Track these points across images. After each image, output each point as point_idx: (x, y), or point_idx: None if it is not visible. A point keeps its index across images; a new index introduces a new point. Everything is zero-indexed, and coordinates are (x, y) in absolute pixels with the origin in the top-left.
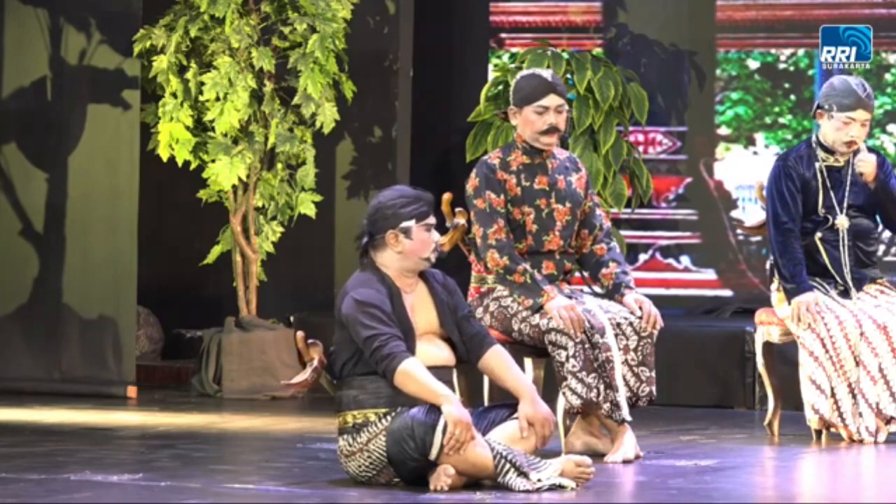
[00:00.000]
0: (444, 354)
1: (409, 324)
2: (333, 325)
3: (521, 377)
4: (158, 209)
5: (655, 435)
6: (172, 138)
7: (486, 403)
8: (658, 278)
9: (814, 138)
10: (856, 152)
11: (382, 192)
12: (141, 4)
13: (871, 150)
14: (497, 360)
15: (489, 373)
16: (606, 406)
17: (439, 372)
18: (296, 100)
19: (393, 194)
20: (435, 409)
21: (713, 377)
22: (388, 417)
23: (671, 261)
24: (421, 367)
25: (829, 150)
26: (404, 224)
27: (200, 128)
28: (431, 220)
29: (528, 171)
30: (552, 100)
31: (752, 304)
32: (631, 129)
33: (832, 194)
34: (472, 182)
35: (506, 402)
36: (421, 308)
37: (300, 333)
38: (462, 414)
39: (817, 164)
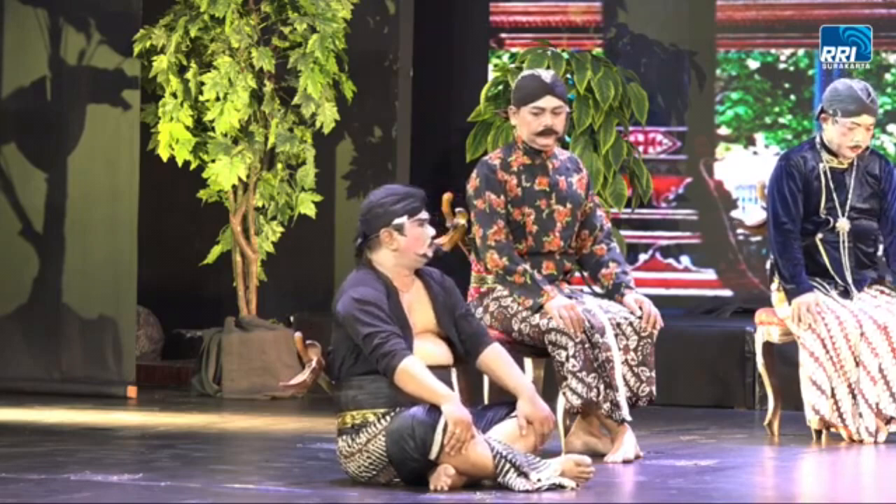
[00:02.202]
0: (442, 353)
1: (407, 323)
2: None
3: (519, 376)
4: (158, 209)
5: (655, 435)
6: (172, 138)
7: (485, 403)
8: (658, 278)
9: (817, 140)
10: (861, 157)
11: (372, 192)
12: (141, 4)
13: (875, 152)
14: (495, 358)
15: (487, 371)
16: (606, 406)
17: (438, 372)
18: (296, 100)
19: (382, 193)
20: (435, 409)
21: (713, 377)
22: (388, 417)
23: (671, 261)
24: (421, 366)
25: (833, 153)
26: (397, 221)
27: (200, 128)
28: (424, 214)
29: (528, 172)
30: (549, 101)
31: (752, 304)
32: (631, 129)
33: (835, 196)
34: (473, 182)
35: (504, 401)
36: (418, 307)
37: (298, 334)
38: (462, 413)
39: (821, 166)
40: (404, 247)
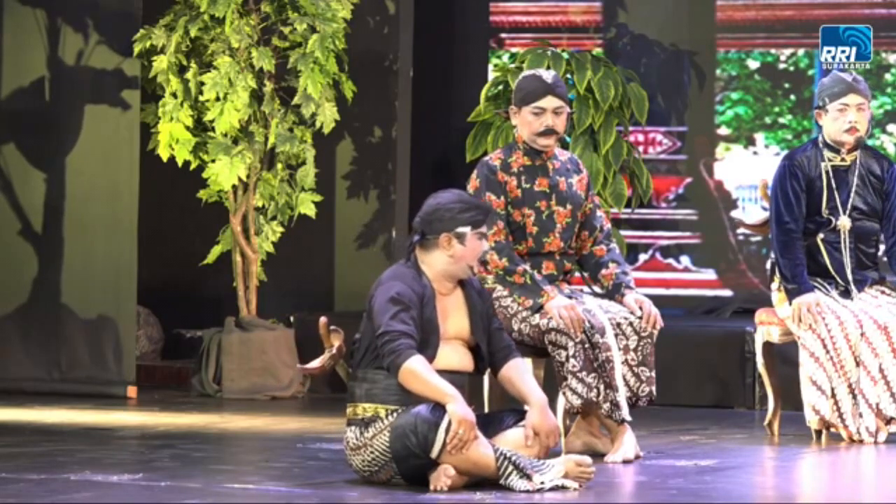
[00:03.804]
0: (461, 360)
1: (436, 326)
2: (334, 325)
3: (534, 387)
4: (158, 209)
5: (655, 435)
6: (172, 138)
7: (486, 408)
8: (658, 278)
9: (819, 139)
10: (864, 151)
11: (441, 193)
12: (141, 4)
13: (878, 152)
14: (516, 370)
15: (506, 381)
16: (606, 406)
17: (453, 376)
18: (296, 100)
19: (452, 197)
20: (440, 407)
21: (713, 377)
22: (396, 414)
23: (671, 261)
24: (426, 366)
25: (835, 150)
26: (460, 229)
27: (200, 128)
28: (485, 229)
29: (528, 173)
30: (550, 101)
31: (752, 304)
32: (631, 129)
33: (836, 195)
34: (473, 183)
35: (514, 409)
36: (454, 313)
37: (323, 319)
38: (466, 413)
39: (823, 164)
40: (460, 255)
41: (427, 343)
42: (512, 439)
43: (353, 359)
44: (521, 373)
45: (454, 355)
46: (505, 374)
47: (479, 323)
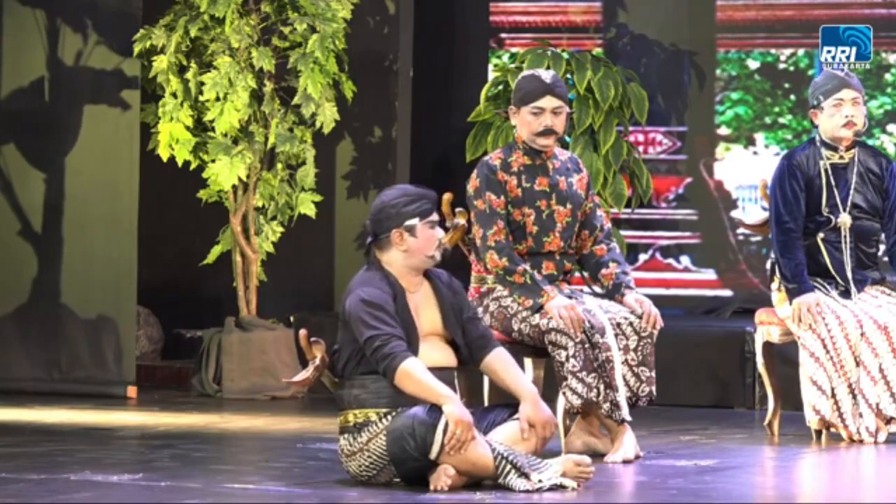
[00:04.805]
0: (445, 357)
1: (413, 324)
2: (333, 325)
3: (522, 379)
4: (158, 209)
5: (655, 435)
6: (172, 138)
7: (485, 404)
8: (658, 278)
9: (817, 137)
10: (859, 143)
11: (385, 191)
12: (141, 4)
13: (876, 150)
14: (499, 361)
15: (491, 374)
16: (606, 406)
17: (441, 373)
18: (296, 100)
19: (395, 193)
20: (436, 409)
21: (713, 377)
22: (389, 417)
23: (671, 261)
24: (422, 367)
25: (833, 147)
26: (408, 222)
27: (200, 128)
28: (435, 217)
29: (528, 173)
30: (549, 101)
31: (752, 304)
32: (631, 129)
33: (836, 192)
34: (473, 182)
35: (507, 403)
36: (425, 308)
37: (303, 331)
38: (463, 413)
39: (822, 163)
40: (414, 248)
41: (407, 342)
42: (507, 434)
43: (335, 369)
44: (505, 365)
45: (436, 352)
46: (489, 364)
47: (450, 315)
